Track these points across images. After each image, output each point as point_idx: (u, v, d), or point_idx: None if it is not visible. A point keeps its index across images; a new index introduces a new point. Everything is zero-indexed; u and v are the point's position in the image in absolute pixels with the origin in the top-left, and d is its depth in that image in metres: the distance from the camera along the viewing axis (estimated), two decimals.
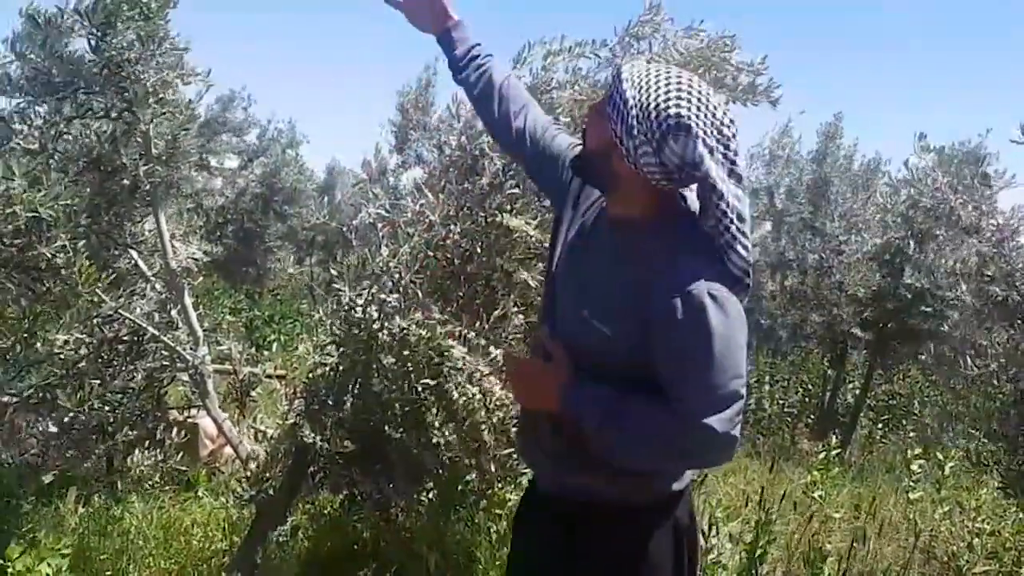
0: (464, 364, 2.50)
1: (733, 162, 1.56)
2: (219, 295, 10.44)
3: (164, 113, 2.73)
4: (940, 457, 5.00)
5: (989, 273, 4.60)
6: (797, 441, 8.44)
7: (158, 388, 2.85)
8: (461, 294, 2.82)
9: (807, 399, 9.35)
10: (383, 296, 2.49)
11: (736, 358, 1.49)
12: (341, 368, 2.67)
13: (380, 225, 2.84)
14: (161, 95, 2.76)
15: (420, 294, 2.64)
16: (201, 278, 2.90)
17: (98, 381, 2.51)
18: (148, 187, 2.74)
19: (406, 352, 2.53)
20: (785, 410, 9.15)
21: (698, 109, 1.47)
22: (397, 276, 2.67)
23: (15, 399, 2.58)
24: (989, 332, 4.96)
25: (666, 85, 1.48)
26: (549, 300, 1.79)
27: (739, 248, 1.54)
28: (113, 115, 2.70)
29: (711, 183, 1.51)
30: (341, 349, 2.68)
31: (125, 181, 2.78)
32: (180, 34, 2.84)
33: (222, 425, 2.94)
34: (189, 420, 3.46)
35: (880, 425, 8.72)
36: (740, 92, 2.61)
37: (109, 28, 2.65)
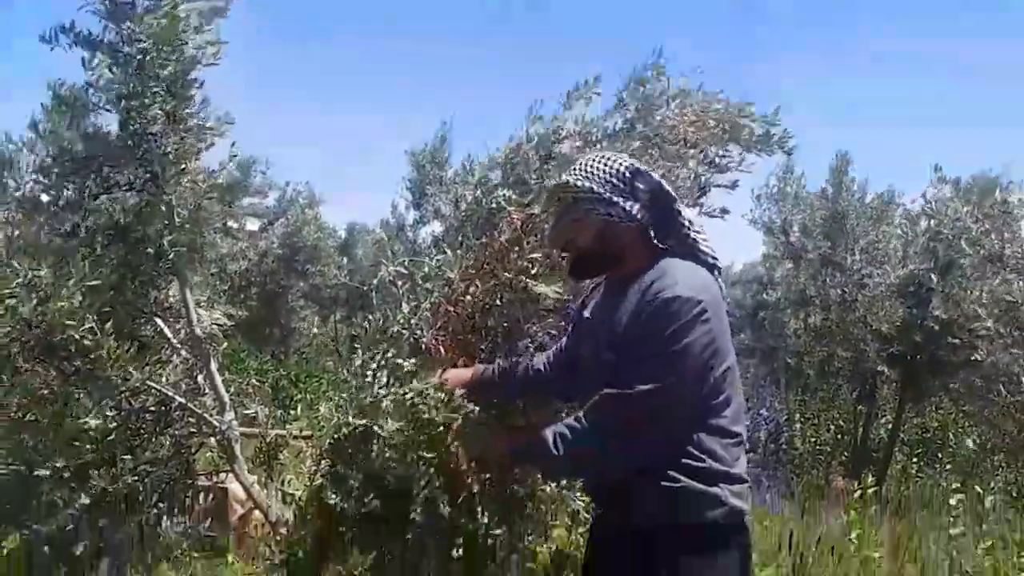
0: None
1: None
2: (244, 357, 10.52)
3: (188, 182, 2.79)
4: (979, 491, 4.91)
5: (1012, 298, 4.56)
6: (831, 479, 8.30)
7: (186, 455, 2.87)
8: (483, 348, 2.83)
9: (839, 436, 9.21)
10: (398, 360, 2.46)
11: (663, 350, 1.78)
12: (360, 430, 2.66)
13: (400, 282, 2.87)
14: (184, 164, 2.82)
15: (443, 350, 2.65)
16: (225, 343, 2.92)
17: (129, 456, 2.53)
18: (172, 255, 2.79)
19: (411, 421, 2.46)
20: (817, 448, 9.02)
21: (630, 159, 2.00)
22: (419, 333, 2.68)
23: (48, 475, 2.61)
24: (1020, 360, 4.90)
25: (601, 161, 1.96)
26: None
27: (702, 242, 1.97)
28: (137, 187, 2.76)
29: (672, 197, 1.99)
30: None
31: (149, 250, 2.83)
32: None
33: (251, 489, 2.94)
34: (218, 485, 3.47)
35: (915, 459, 8.56)
36: (755, 142, 2.64)
37: (136, 101, 2.72)
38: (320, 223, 11.81)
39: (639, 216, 1.93)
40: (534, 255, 2.54)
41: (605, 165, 1.94)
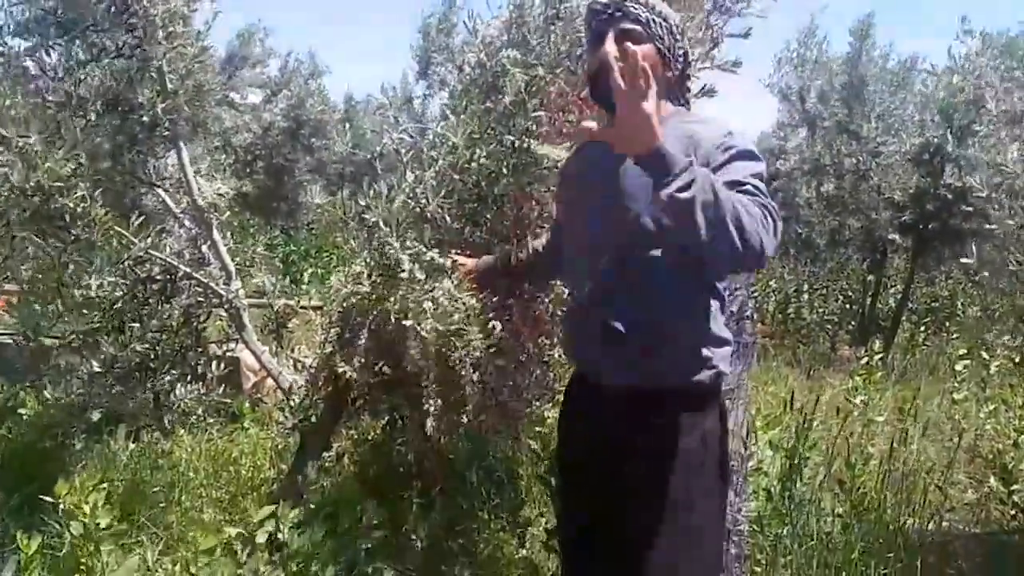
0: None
1: None
2: (254, 232, 10.51)
3: (176, 47, 2.68)
4: (985, 356, 4.94)
5: None
6: (837, 348, 8.40)
7: (196, 324, 2.88)
8: (489, 217, 2.78)
9: (847, 306, 9.25)
10: (422, 248, 2.40)
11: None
12: (374, 297, 2.65)
13: (404, 151, 2.80)
14: (171, 28, 2.71)
15: (448, 219, 2.60)
16: (228, 213, 2.89)
17: (137, 323, 2.53)
18: (167, 124, 2.71)
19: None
20: (825, 318, 9.07)
21: None
22: (424, 203, 2.63)
23: (58, 342, 2.63)
24: None
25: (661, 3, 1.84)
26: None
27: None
28: (126, 53, 2.66)
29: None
30: (372, 279, 2.67)
31: (144, 119, 2.75)
32: None
33: (261, 357, 2.97)
34: (230, 354, 3.51)
35: (922, 328, 8.62)
36: None
37: None
38: (324, 95, 11.52)
39: (680, 65, 1.87)
40: (538, 114, 2.44)
41: (664, 9, 1.84)
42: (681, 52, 1.88)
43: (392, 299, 2.45)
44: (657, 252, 1.77)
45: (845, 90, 7.93)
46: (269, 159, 10.74)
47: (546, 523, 2.87)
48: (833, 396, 4.78)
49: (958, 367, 4.74)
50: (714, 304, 1.86)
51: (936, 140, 6.91)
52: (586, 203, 1.94)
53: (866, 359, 4.57)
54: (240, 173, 9.86)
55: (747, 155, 1.71)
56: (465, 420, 3.22)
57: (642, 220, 1.76)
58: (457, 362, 2.41)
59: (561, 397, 3.15)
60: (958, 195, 6.50)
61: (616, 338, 1.80)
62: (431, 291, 2.37)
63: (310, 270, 10.40)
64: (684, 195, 1.46)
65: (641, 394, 1.82)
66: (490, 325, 2.41)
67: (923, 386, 6.14)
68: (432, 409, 2.82)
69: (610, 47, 1.76)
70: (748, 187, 1.62)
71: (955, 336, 8.48)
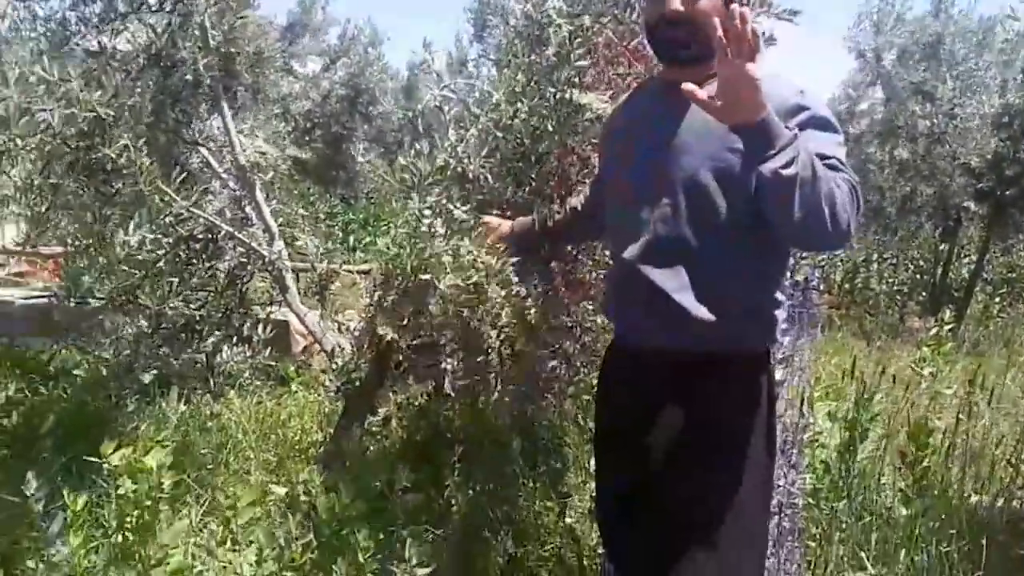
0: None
1: None
2: (314, 200, 10.59)
3: (217, 2, 2.64)
4: None
5: None
6: (906, 320, 8.09)
7: (240, 286, 2.87)
8: (533, 176, 2.69)
9: (918, 276, 8.90)
10: (451, 207, 2.33)
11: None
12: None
13: (446, 108, 2.72)
14: None
15: (490, 178, 2.52)
16: (272, 173, 2.85)
17: (176, 280, 2.52)
18: (210, 81, 2.68)
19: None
20: (895, 288, 8.76)
21: None
22: (466, 162, 2.54)
23: (102, 301, 2.64)
24: None
25: None
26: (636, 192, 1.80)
27: None
28: (167, 7, 2.63)
29: None
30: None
31: (188, 76, 2.73)
32: None
33: (304, 319, 2.95)
34: (279, 317, 3.51)
35: (997, 299, 8.24)
36: None
37: None
38: (383, 64, 11.50)
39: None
40: (582, 64, 2.33)
41: None
42: None
43: (412, 254, 2.39)
44: (713, 209, 1.67)
45: (924, 48, 7.54)
46: (328, 127, 10.77)
47: (590, 492, 2.80)
48: (899, 368, 4.57)
49: None
50: (774, 267, 1.75)
51: (1018, 102, 6.54)
52: (634, 155, 1.83)
53: (936, 330, 4.36)
54: (299, 141, 9.91)
55: (825, 122, 1.63)
56: (492, 384, 3.18)
57: (699, 175, 1.66)
58: (478, 322, 2.34)
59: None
60: None
61: (663, 299, 1.71)
62: (450, 247, 2.31)
63: (370, 239, 10.45)
64: (787, 171, 1.41)
65: (686, 359, 1.73)
66: (513, 290, 2.32)
67: (995, 358, 5.88)
68: (451, 369, 2.78)
69: (676, 3, 1.67)
70: (834, 161, 1.54)
71: None
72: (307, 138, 10.39)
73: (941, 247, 8.26)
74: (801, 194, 1.43)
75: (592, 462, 2.78)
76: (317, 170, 10.76)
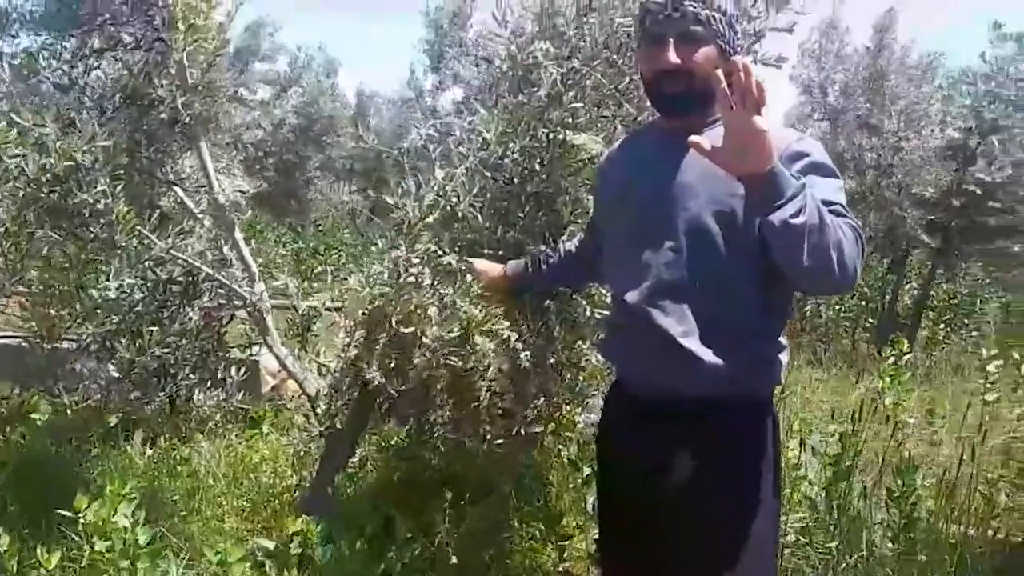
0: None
1: None
2: (262, 229, 10.41)
3: (196, 40, 2.57)
4: (1016, 356, 4.80)
5: None
6: (857, 346, 8.27)
7: (217, 327, 2.78)
8: (521, 215, 2.67)
9: (864, 303, 9.11)
10: (440, 252, 2.29)
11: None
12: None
13: (432, 147, 2.69)
14: (192, 20, 2.60)
15: (480, 218, 2.48)
16: (249, 212, 2.78)
17: (156, 327, 2.43)
18: (188, 120, 2.61)
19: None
20: (842, 315, 8.94)
21: None
22: (454, 201, 2.51)
23: (75, 346, 2.53)
24: None
25: None
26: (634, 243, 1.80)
27: None
28: (144, 46, 2.56)
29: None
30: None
31: (163, 115, 2.65)
32: None
33: (285, 361, 2.87)
34: (249, 358, 3.42)
35: (942, 326, 8.48)
36: None
37: None
38: (337, 93, 11.44)
39: (739, 48, 1.76)
40: (575, 105, 2.33)
41: (721, 1, 1.72)
42: (739, 43, 1.77)
43: (396, 306, 2.33)
44: (716, 253, 1.67)
45: (867, 83, 7.78)
46: (280, 156, 10.65)
47: (587, 536, 2.77)
48: (864, 397, 4.65)
49: (989, 367, 4.60)
50: (777, 310, 1.75)
51: (963, 135, 6.78)
52: (636, 200, 1.82)
53: (892, 358, 4.44)
54: (250, 170, 9.76)
55: (825, 168, 1.64)
56: (477, 427, 3.13)
57: (702, 218, 1.66)
58: (466, 373, 2.30)
59: (590, 402, 3.07)
60: (987, 191, 6.37)
61: (668, 343, 1.70)
62: (435, 298, 2.27)
63: (321, 268, 10.29)
64: (796, 220, 1.42)
65: (692, 404, 1.72)
66: (504, 335, 2.29)
67: (949, 386, 6.03)
68: (440, 420, 2.73)
69: (673, 57, 1.68)
70: (837, 207, 1.56)
71: (974, 334, 8.37)
72: (258, 167, 10.25)
73: (889, 275, 8.48)
74: (810, 242, 1.44)
75: (589, 504, 2.76)
76: (268, 199, 10.61)
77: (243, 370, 3.04)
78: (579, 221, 2.53)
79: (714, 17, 1.68)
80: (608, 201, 2.00)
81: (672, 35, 1.70)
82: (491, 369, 2.38)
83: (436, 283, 2.31)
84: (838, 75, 8.14)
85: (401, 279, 2.33)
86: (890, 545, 2.60)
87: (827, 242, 1.45)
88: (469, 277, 2.28)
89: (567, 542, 2.67)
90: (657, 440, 1.77)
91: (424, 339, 2.32)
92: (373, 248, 2.74)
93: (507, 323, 2.30)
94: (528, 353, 2.41)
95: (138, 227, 2.34)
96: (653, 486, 1.78)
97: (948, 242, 7.23)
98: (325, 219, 13.21)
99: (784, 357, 1.78)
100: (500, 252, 2.50)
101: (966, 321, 8.85)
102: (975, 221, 6.80)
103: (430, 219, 2.40)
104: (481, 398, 2.50)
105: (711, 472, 1.72)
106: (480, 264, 2.30)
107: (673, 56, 1.69)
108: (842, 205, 1.58)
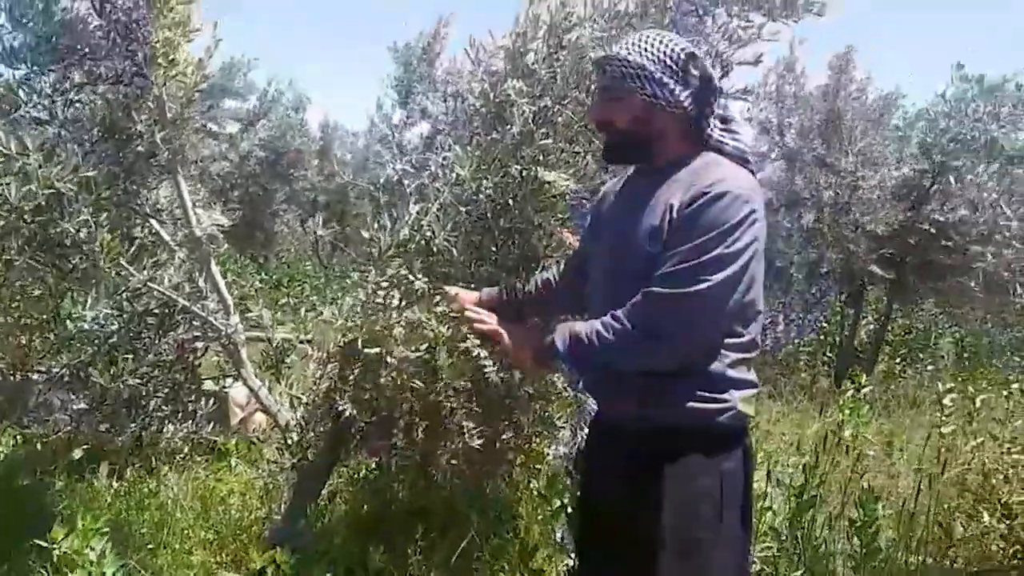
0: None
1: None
2: (224, 260, 10.33)
3: (176, 75, 2.62)
4: (972, 390, 4.95)
5: None
6: (817, 379, 8.41)
7: (191, 359, 2.79)
8: (495, 249, 2.73)
9: (822, 336, 9.29)
10: (411, 277, 2.34)
11: (716, 250, 1.66)
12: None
13: (407, 182, 2.75)
14: (172, 56, 2.64)
15: (455, 251, 2.54)
16: (226, 245, 2.81)
17: (131, 356, 2.43)
18: (166, 153, 2.64)
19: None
20: (800, 349, 9.10)
21: (689, 43, 1.85)
22: (430, 235, 2.56)
23: (46, 377, 2.53)
24: None
25: (657, 39, 1.81)
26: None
27: (738, 139, 1.87)
28: (124, 80, 2.59)
29: (719, 90, 1.89)
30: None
31: (141, 148, 2.68)
32: None
33: (259, 393, 2.87)
34: (221, 389, 3.42)
35: (898, 360, 8.68)
36: (778, 7, 2.49)
37: None
38: (305, 128, 11.46)
39: (686, 103, 1.79)
40: (546, 143, 2.41)
41: (661, 43, 1.80)
42: (690, 88, 1.81)
43: (364, 329, 2.38)
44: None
45: (824, 125, 8.01)
46: (246, 189, 10.62)
47: (554, 567, 2.79)
48: (826, 430, 4.75)
49: (946, 400, 4.74)
50: (737, 342, 1.81)
51: (916, 174, 7.01)
52: (602, 231, 1.98)
53: (851, 392, 4.56)
54: (216, 202, 9.71)
55: (707, 219, 1.68)
56: (446, 459, 3.14)
57: (647, 247, 1.76)
58: (432, 394, 2.35)
59: (563, 434, 3.11)
60: (940, 230, 6.58)
61: (626, 375, 1.79)
62: (403, 318, 2.32)
63: (283, 300, 10.24)
64: (587, 367, 1.88)
65: (655, 433, 1.78)
66: (474, 352, 2.32)
67: (906, 419, 6.17)
68: (399, 444, 2.76)
69: (595, 111, 1.95)
70: (678, 273, 1.67)
71: (929, 368, 8.57)
72: (224, 199, 10.20)
73: (846, 311, 8.67)
74: (615, 361, 1.78)
75: (559, 535, 2.79)
76: (234, 231, 10.54)
77: (212, 402, 3.04)
78: (553, 255, 2.60)
79: (630, 74, 1.78)
80: (589, 235, 2.12)
81: (599, 90, 1.90)
82: (458, 384, 2.42)
83: (403, 305, 2.35)
84: (794, 119, 8.36)
85: (368, 301, 2.38)
86: (852, 574, 2.67)
87: (616, 357, 1.77)
88: (438, 298, 2.32)
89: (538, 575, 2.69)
90: (626, 469, 1.82)
91: (389, 359, 2.36)
92: (348, 281, 2.78)
93: (476, 340, 2.33)
94: (496, 367, 2.44)
95: (120, 259, 2.35)
96: (612, 514, 1.84)
97: (903, 278, 7.43)
98: (288, 251, 13.15)
99: (741, 393, 1.80)
100: (472, 285, 2.55)
101: (921, 356, 9.07)
102: (929, 259, 7.00)
103: (403, 248, 2.45)
104: (448, 417, 2.54)
105: (680, 501, 1.76)
106: (453, 290, 2.35)
107: (595, 111, 1.93)
108: (684, 270, 1.66)
